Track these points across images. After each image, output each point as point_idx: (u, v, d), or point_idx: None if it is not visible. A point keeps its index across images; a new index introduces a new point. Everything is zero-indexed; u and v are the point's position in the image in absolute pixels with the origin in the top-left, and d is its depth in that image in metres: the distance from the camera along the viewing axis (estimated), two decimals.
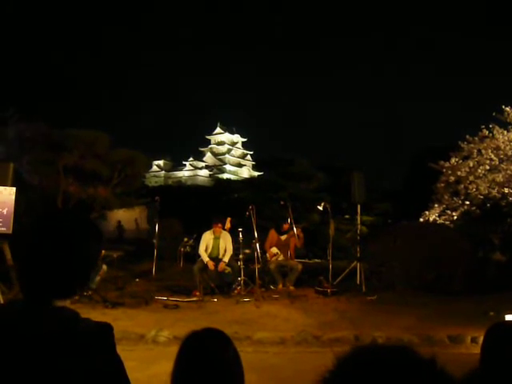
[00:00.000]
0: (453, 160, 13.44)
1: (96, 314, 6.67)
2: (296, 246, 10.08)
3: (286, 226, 9.99)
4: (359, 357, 0.77)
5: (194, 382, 1.54)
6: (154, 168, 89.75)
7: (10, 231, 7.72)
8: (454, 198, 13.38)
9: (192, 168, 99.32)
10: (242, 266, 8.86)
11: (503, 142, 12.72)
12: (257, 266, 8.75)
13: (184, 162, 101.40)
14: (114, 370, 1.23)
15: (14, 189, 8.02)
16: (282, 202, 10.98)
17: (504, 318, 5.29)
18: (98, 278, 7.99)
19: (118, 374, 1.25)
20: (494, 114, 13.13)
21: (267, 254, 9.89)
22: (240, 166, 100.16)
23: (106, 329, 1.26)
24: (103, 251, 8.03)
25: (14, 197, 7.92)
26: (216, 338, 1.64)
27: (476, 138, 13.29)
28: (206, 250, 9.13)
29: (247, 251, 9.62)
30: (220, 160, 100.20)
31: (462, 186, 13.10)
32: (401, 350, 0.77)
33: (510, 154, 12.66)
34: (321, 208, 10.36)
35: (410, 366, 0.73)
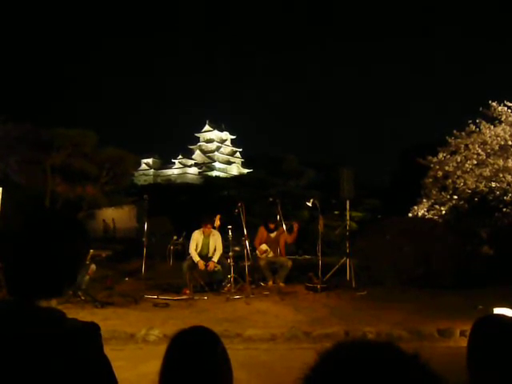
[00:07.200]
0: (440, 155, 13.53)
1: (85, 314, 6.65)
2: (286, 242, 10.10)
3: (271, 226, 10.00)
4: (340, 353, 0.76)
5: (182, 381, 1.53)
6: (143, 166, 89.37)
7: None
8: (442, 193, 13.47)
9: (181, 166, 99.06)
10: (231, 264, 8.85)
11: (490, 137, 12.82)
12: (247, 263, 8.73)
13: (173, 160, 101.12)
14: (101, 370, 1.22)
15: (0, 189, 7.94)
16: (270, 199, 10.96)
17: (492, 311, 5.33)
18: (87, 278, 7.92)
19: (105, 374, 1.23)
20: (480, 109, 13.25)
21: (257, 251, 9.88)
22: (229, 163, 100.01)
23: (93, 328, 1.24)
24: (92, 251, 7.97)
25: (0, 197, 7.85)
26: (204, 336, 1.64)
27: (463, 133, 13.38)
28: (195, 249, 9.10)
29: (237, 248, 9.61)
30: (209, 157, 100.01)
31: (450, 180, 13.20)
32: (383, 345, 0.76)
33: (496, 148, 12.77)
34: (310, 204, 10.36)
35: (393, 362, 0.73)
